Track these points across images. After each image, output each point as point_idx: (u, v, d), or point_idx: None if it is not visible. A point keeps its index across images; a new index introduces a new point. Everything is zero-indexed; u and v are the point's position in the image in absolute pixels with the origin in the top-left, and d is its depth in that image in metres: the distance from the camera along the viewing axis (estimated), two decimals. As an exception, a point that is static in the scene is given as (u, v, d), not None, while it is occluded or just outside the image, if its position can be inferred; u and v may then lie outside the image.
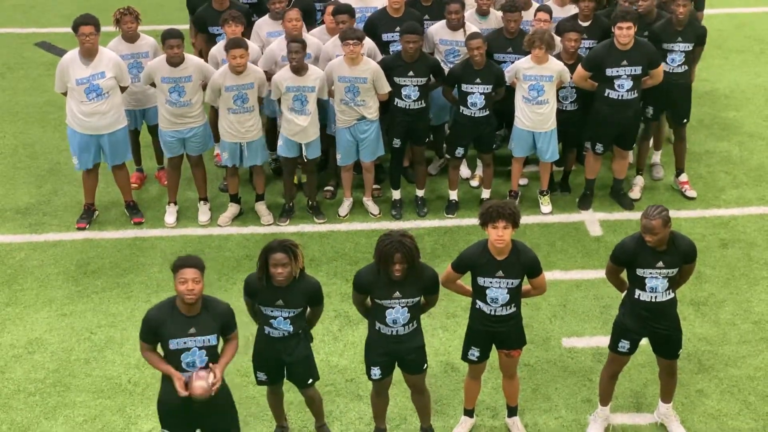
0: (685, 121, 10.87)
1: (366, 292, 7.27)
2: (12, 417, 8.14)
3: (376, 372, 7.47)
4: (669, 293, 7.49)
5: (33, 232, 10.49)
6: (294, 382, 7.64)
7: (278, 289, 7.11)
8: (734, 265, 9.94)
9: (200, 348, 6.79)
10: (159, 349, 6.93)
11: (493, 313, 7.41)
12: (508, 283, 7.30)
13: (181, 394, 6.72)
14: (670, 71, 10.42)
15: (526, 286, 7.52)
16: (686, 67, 10.53)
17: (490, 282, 7.30)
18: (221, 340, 6.99)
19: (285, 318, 7.22)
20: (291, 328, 7.27)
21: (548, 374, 8.59)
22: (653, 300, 7.46)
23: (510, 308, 7.41)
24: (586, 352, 8.80)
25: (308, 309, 7.39)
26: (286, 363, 7.45)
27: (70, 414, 8.18)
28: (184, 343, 6.76)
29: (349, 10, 10.33)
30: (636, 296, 7.49)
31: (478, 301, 7.45)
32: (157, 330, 6.77)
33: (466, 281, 7.56)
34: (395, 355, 7.41)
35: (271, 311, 7.22)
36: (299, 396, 7.99)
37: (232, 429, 7.31)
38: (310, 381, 7.61)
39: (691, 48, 10.44)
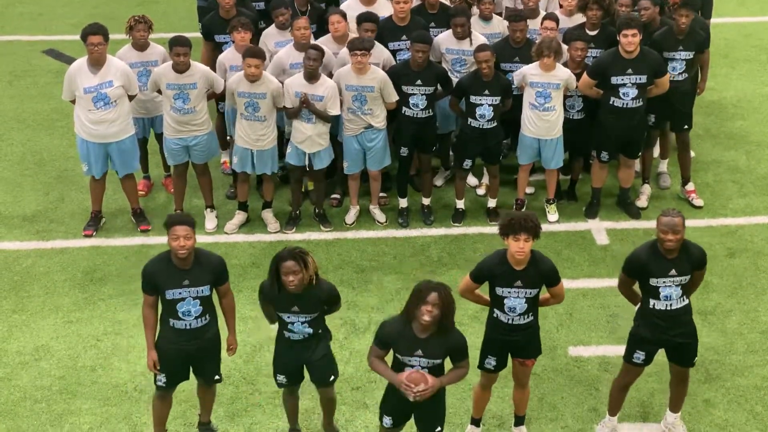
0: (686, 127, 10.85)
1: (389, 346, 6.91)
2: (18, 424, 8.15)
3: (387, 421, 7.21)
4: (683, 300, 7.48)
5: (40, 239, 10.51)
6: (315, 381, 7.64)
7: (293, 296, 7.11)
8: (741, 275, 9.92)
9: (194, 298, 7.28)
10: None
11: (510, 322, 7.39)
12: (526, 293, 7.27)
13: (150, 368, 7.47)
14: (672, 79, 10.43)
15: (544, 294, 7.49)
16: (687, 75, 10.55)
17: (509, 292, 7.27)
18: (214, 291, 7.45)
19: (303, 322, 7.26)
20: (310, 331, 7.32)
21: (554, 383, 8.58)
22: (668, 308, 7.44)
23: (527, 317, 7.39)
24: (592, 361, 8.79)
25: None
26: (306, 363, 7.47)
27: (76, 421, 8.18)
28: (179, 293, 7.25)
29: (376, 19, 10.35)
30: (651, 306, 7.47)
31: (495, 310, 7.42)
32: (153, 281, 7.30)
33: (483, 290, 7.52)
34: (410, 408, 7.12)
35: (288, 317, 7.24)
36: (304, 404, 8.00)
37: (218, 373, 7.72)
38: (332, 378, 7.63)
39: (692, 56, 10.46)
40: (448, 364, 6.98)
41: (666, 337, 7.55)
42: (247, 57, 9.77)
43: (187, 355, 7.48)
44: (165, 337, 7.44)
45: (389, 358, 7.02)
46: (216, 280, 7.38)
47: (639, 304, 7.64)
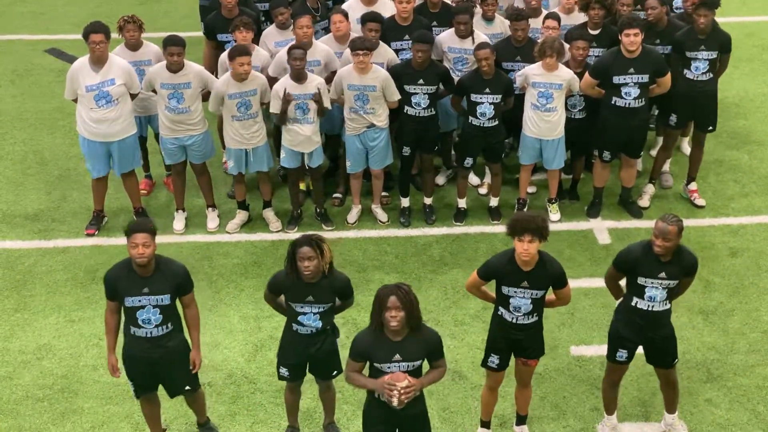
0: (710, 128, 10.82)
1: (365, 358, 6.74)
2: (20, 423, 8.16)
3: None
4: (666, 304, 7.49)
5: (42, 238, 10.51)
6: (317, 375, 7.68)
7: (308, 285, 7.17)
8: (743, 274, 9.91)
9: (154, 306, 7.19)
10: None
11: (514, 321, 7.38)
12: (532, 294, 7.27)
13: (110, 372, 7.48)
14: (695, 79, 10.41)
15: (550, 296, 7.47)
16: (711, 75, 10.49)
17: (515, 291, 7.27)
18: (178, 300, 7.36)
19: (315, 314, 7.28)
20: (320, 324, 7.33)
21: (556, 383, 8.58)
22: (650, 309, 7.46)
23: (532, 317, 7.39)
24: (594, 361, 8.79)
25: (337, 302, 7.45)
26: (310, 357, 7.49)
27: (78, 420, 8.19)
28: (139, 301, 7.18)
29: (381, 20, 10.36)
30: (633, 304, 7.50)
31: (500, 308, 7.42)
32: (114, 287, 7.23)
33: (490, 288, 7.52)
34: (395, 421, 6.88)
35: (301, 307, 7.25)
36: (305, 403, 8.00)
37: (189, 383, 7.59)
38: (335, 373, 7.66)
39: (715, 56, 10.40)
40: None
41: (644, 337, 7.58)
42: (238, 56, 9.71)
43: (151, 363, 7.37)
44: (129, 344, 7.40)
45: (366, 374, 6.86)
46: (178, 289, 7.28)
47: (621, 300, 7.66)
